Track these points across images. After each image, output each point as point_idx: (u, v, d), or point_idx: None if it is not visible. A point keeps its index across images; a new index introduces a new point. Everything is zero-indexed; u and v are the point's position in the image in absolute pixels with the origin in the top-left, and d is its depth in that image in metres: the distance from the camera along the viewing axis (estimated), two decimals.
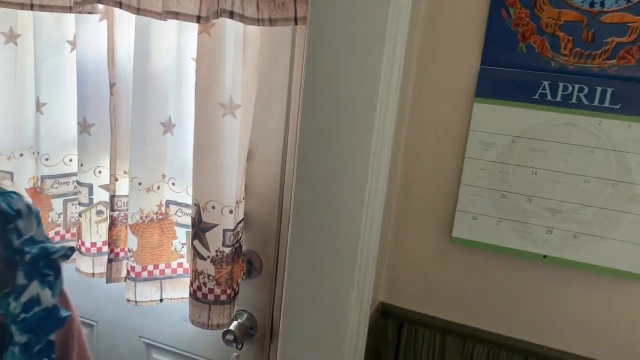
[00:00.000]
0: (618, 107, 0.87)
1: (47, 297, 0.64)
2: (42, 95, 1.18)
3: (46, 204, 1.23)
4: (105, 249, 1.19)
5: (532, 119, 0.91)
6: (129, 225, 1.10)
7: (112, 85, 1.07)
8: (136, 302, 1.13)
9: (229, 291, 1.06)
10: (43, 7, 1.08)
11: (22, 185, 1.24)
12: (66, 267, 1.24)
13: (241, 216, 1.09)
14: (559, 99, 0.90)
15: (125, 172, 1.12)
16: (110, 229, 1.14)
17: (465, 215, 0.98)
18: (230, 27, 0.95)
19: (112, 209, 1.13)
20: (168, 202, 1.13)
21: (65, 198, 1.25)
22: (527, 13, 0.89)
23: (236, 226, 1.05)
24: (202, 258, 1.04)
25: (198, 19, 0.92)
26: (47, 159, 1.22)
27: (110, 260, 1.15)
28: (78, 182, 1.18)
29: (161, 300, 1.16)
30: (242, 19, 0.91)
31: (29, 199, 0.81)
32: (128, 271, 1.12)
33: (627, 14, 0.84)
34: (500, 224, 0.96)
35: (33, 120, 1.21)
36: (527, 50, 0.90)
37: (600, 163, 0.89)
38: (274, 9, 0.91)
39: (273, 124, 1.05)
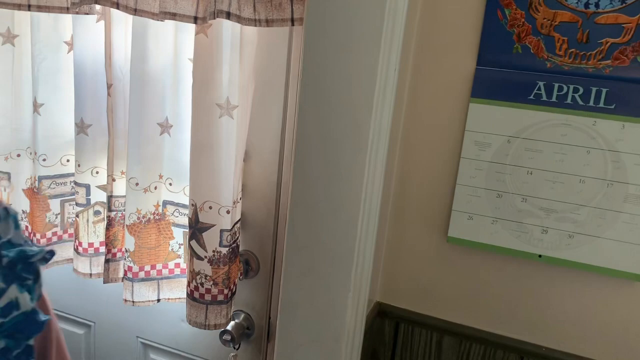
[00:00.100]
0: (613, 107, 0.88)
1: (26, 301, 0.61)
2: (39, 95, 1.18)
3: (43, 205, 1.23)
4: (103, 249, 1.19)
5: (528, 119, 0.92)
6: (126, 225, 1.10)
7: (109, 86, 1.08)
8: (133, 302, 1.13)
9: (226, 291, 1.06)
10: (40, 8, 1.08)
11: (19, 186, 1.25)
12: (63, 268, 1.27)
13: (238, 216, 1.09)
14: (554, 99, 0.90)
15: (122, 173, 1.12)
16: (107, 229, 1.14)
17: (461, 215, 0.99)
18: (227, 28, 0.96)
19: (110, 210, 1.13)
20: (165, 203, 1.13)
21: (62, 198, 1.25)
22: (523, 14, 0.90)
23: (233, 226, 1.06)
24: (199, 258, 1.05)
25: (195, 20, 0.92)
26: (44, 160, 1.22)
27: (107, 261, 1.15)
28: (75, 183, 1.18)
29: (158, 300, 1.16)
30: (239, 19, 0.91)
31: (4, 202, 0.79)
32: (125, 271, 1.13)
33: (621, 15, 0.85)
34: (496, 223, 0.97)
35: (30, 121, 1.21)
36: (523, 51, 0.91)
37: (596, 163, 0.90)
38: (270, 10, 0.91)
39: (270, 124, 1.05)
